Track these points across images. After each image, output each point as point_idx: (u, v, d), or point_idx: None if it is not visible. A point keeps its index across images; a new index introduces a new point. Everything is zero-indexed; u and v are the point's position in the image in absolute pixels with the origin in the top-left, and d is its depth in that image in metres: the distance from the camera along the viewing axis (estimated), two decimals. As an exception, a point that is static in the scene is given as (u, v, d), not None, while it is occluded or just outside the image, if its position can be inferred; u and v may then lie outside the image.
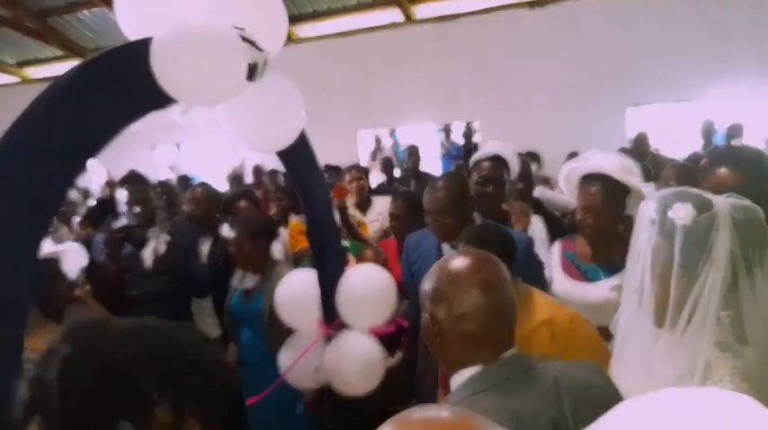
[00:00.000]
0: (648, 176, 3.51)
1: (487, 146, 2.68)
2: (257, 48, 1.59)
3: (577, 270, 2.04)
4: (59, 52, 8.99)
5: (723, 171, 1.82)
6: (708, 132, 5.36)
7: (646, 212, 1.20)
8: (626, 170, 1.96)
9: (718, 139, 5.27)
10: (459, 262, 1.08)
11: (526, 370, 1.02)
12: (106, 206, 4.29)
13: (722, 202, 1.13)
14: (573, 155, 5.90)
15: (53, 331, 2.10)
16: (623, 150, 5.56)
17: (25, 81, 9.84)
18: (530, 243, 2.14)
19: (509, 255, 1.57)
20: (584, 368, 1.11)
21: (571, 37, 6.82)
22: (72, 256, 2.37)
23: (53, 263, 2.25)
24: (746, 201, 1.16)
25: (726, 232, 1.09)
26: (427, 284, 1.09)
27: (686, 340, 1.09)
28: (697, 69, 6.29)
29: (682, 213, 1.12)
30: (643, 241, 1.19)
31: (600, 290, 1.95)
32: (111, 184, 6.02)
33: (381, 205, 3.90)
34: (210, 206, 3.40)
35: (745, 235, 1.10)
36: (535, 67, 6.97)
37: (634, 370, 1.20)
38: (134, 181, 3.15)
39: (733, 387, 1.02)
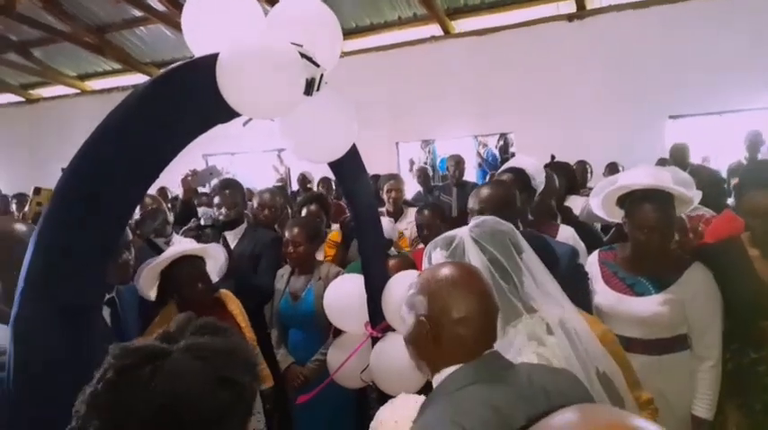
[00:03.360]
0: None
1: (513, 159, 2.75)
2: (315, 63, 1.68)
3: (622, 282, 2.01)
4: (117, 65, 9.48)
5: (760, 195, 1.83)
6: (754, 143, 5.17)
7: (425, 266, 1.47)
8: (660, 180, 1.97)
9: (764, 151, 5.09)
10: (453, 271, 1.13)
11: (505, 368, 1.09)
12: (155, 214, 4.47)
13: (463, 229, 1.42)
14: (612, 165, 5.84)
15: None
16: (662, 161, 5.47)
17: (84, 92, 10.37)
18: (574, 254, 2.13)
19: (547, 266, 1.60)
20: (558, 373, 1.16)
21: (610, 49, 6.79)
22: (216, 257, 2.36)
23: (196, 261, 2.26)
24: (480, 219, 1.45)
25: (472, 249, 1.36)
26: (421, 288, 1.13)
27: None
28: (741, 79, 6.17)
29: (438, 258, 1.40)
30: None
31: (650, 304, 1.93)
32: (163, 192, 6.26)
33: (412, 215, 4.10)
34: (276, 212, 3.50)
35: (486, 243, 1.37)
36: (573, 80, 6.96)
37: None
38: (225, 185, 3.26)
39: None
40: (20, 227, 1.58)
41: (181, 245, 2.34)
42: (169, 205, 5.87)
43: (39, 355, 1.21)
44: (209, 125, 1.61)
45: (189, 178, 3.43)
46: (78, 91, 10.40)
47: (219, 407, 0.80)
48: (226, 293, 2.47)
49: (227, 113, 1.59)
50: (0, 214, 6.27)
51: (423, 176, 5.90)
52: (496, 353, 1.11)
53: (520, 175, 2.59)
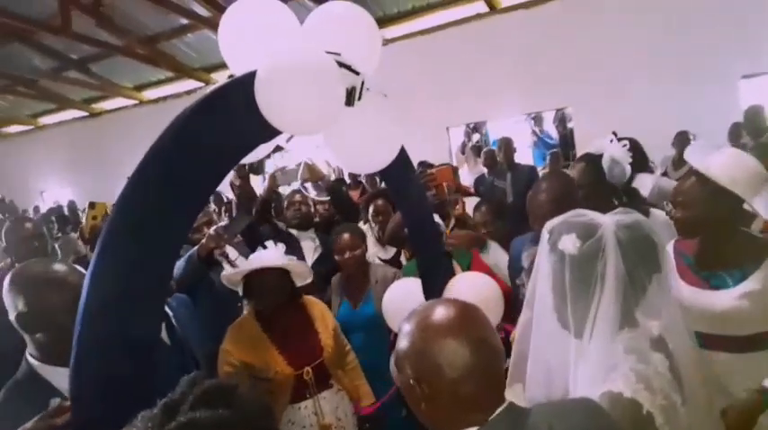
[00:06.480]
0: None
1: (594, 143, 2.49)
2: (354, 71, 1.62)
3: (697, 275, 1.85)
4: (170, 74, 9.79)
5: None
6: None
7: (543, 241, 1.31)
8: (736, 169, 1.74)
9: None
10: (441, 316, 0.99)
11: (522, 424, 0.94)
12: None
13: (608, 223, 1.22)
14: (681, 135, 5.45)
15: None
16: (735, 126, 5.07)
17: (142, 102, 10.80)
18: None
19: None
20: (580, 407, 1.04)
21: (671, 5, 6.30)
22: (301, 271, 2.35)
23: (272, 273, 2.23)
24: (633, 217, 1.24)
25: (612, 253, 1.18)
26: (406, 343, 0.99)
27: (593, 348, 1.18)
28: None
29: (568, 244, 1.22)
30: (543, 268, 1.30)
31: (728, 297, 1.76)
32: (218, 197, 6.40)
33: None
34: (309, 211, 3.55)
35: (630, 252, 1.19)
36: (631, 45, 6.54)
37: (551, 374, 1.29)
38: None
39: (624, 381, 1.11)
40: (58, 268, 1.50)
41: (260, 257, 2.29)
42: (224, 208, 6.01)
43: (98, 386, 1.21)
44: (254, 146, 1.60)
45: (277, 174, 3.50)
46: (137, 101, 10.84)
47: None
48: (309, 299, 2.42)
49: (270, 132, 1.56)
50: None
51: (490, 158, 5.63)
52: (511, 405, 0.97)
53: (590, 167, 2.35)
